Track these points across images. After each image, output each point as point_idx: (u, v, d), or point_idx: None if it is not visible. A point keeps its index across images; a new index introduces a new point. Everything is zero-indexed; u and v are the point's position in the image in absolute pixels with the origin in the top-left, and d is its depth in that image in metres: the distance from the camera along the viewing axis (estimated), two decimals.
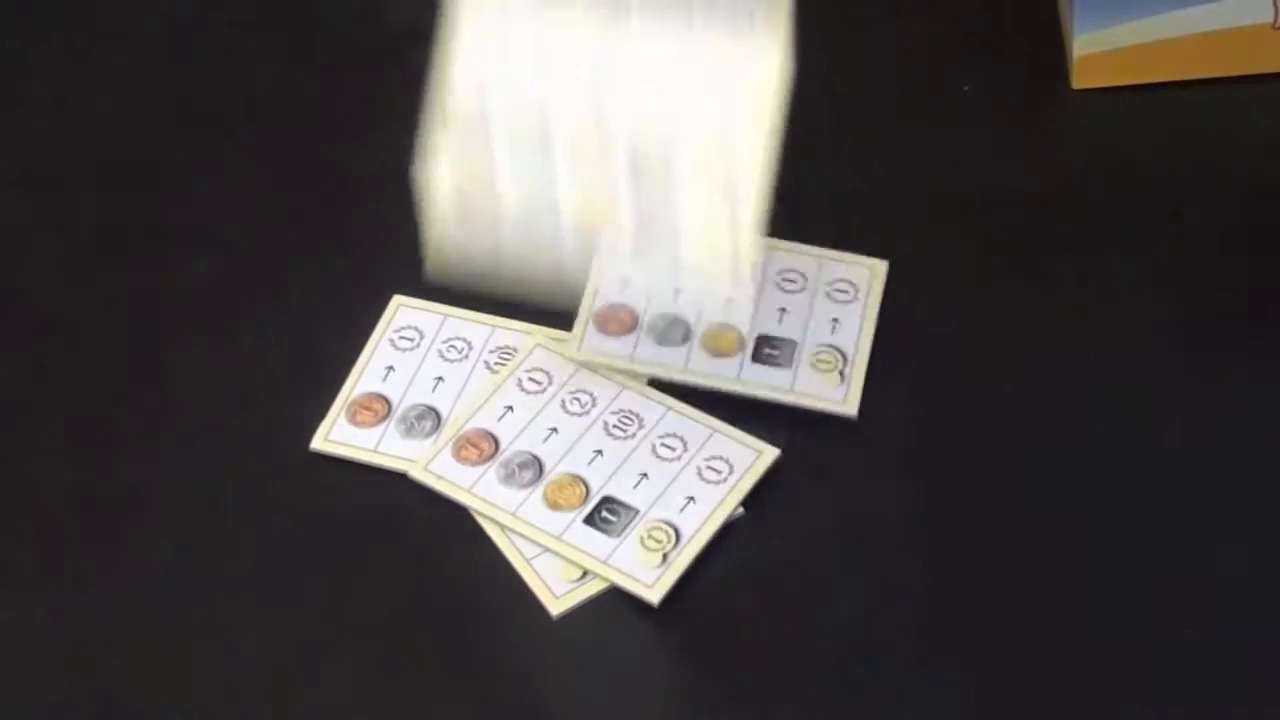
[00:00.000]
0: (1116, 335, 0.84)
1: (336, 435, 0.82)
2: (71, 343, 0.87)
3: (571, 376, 0.83)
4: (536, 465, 0.81)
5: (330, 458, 0.82)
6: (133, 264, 0.90)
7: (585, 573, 0.77)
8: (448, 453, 0.81)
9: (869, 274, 0.85)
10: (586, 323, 0.84)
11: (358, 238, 0.89)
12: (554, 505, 0.79)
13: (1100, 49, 0.91)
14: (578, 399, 0.82)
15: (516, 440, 0.81)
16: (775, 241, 0.86)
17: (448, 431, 0.82)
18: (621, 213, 0.79)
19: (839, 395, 0.82)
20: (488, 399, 0.82)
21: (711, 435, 0.81)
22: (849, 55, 0.94)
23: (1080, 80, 0.92)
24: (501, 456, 0.81)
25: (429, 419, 0.83)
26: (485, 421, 0.82)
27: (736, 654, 0.76)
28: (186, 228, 0.91)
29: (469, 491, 0.80)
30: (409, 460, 0.81)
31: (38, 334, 0.88)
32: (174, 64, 0.98)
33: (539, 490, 0.80)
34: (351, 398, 0.83)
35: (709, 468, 0.80)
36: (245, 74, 0.97)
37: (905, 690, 0.74)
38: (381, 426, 0.82)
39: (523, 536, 0.79)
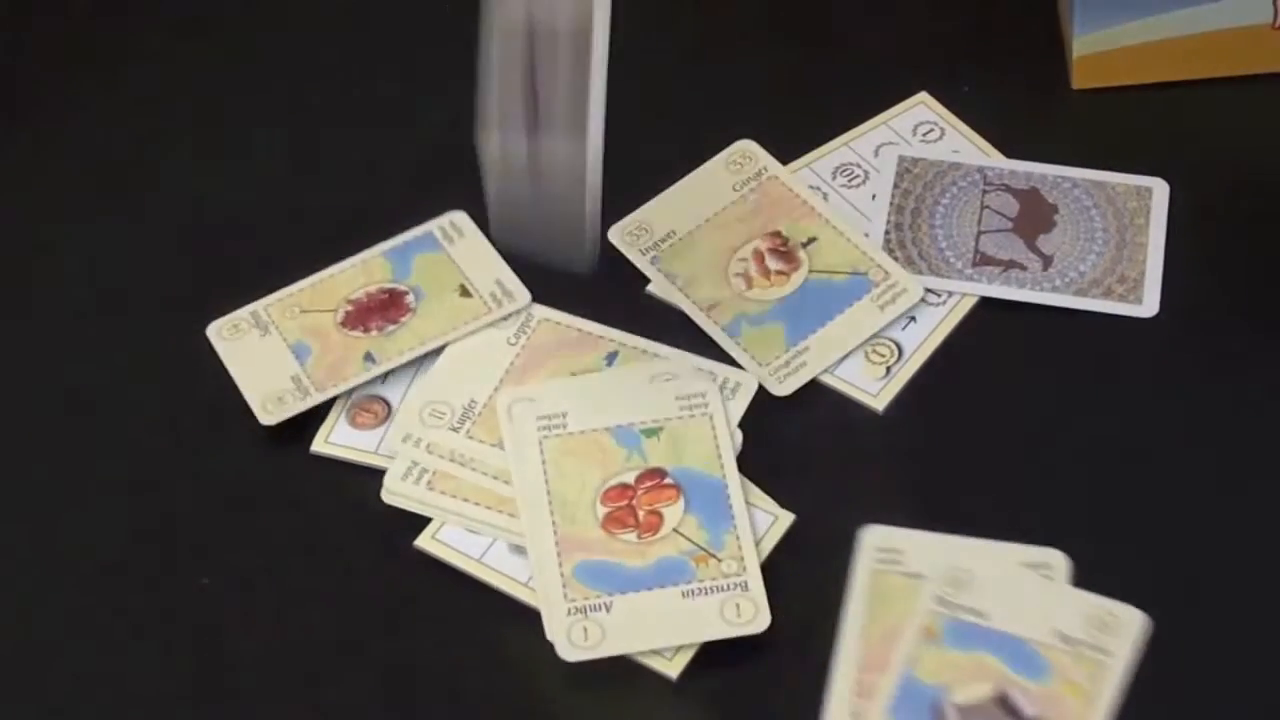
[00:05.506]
0: (1113, 333, 0.84)
1: (337, 438, 0.82)
2: (71, 341, 0.87)
3: None
4: None
5: (331, 460, 0.82)
6: (131, 264, 0.90)
7: None
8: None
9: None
10: None
11: (352, 238, 0.89)
12: None
13: (1100, 49, 0.91)
14: None
15: None
16: None
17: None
18: None
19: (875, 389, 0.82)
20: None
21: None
22: (848, 55, 0.94)
23: (1080, 80, 0.92)
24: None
25: None
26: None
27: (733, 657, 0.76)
28: (185, 229, 0.91)
29: (479, 562, 0.78)
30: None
31: (40, 331, 0.88)
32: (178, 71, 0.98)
33: None
34: (351, 400, 0.83)
35: None
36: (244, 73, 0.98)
37: None
38: (381, 429, 0.82)
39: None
